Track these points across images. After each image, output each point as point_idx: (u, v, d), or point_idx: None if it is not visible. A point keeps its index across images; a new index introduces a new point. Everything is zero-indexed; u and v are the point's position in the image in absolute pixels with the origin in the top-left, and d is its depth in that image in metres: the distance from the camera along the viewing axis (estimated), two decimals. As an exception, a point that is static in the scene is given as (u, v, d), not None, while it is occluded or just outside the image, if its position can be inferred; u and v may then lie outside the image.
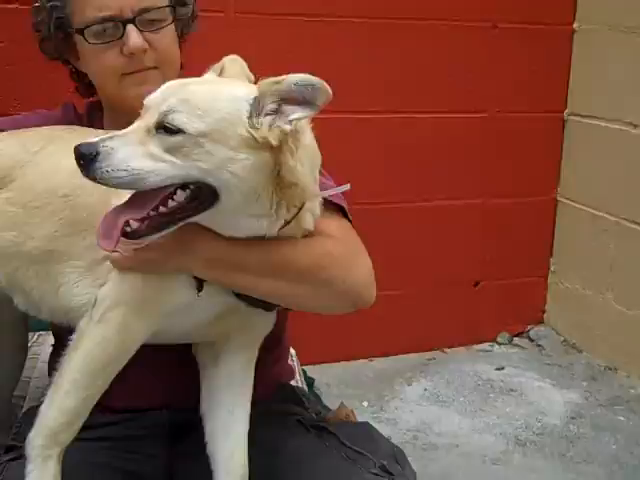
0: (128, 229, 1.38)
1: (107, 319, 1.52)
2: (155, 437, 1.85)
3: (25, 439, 1.55)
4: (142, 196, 1.39)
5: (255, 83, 1.51)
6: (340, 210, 1.74)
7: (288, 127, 1.38)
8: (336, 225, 1.67)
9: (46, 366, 2.10)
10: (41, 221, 1.66)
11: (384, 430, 1.89)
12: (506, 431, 3.32)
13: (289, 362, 2.27)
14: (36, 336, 2.51)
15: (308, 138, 1.50)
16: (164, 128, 1.36)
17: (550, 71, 3.90)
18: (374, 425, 1.92)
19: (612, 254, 3.85)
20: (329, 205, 1.68)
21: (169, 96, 1.40)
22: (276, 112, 1.39)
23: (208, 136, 1.36)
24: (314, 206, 1.59)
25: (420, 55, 3.60)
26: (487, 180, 3.91)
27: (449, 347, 4.05)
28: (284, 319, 1.90)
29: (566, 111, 4.02)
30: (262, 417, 1.75)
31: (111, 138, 1.36)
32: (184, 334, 1.67)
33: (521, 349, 4.16)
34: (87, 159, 1.32)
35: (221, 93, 1.44)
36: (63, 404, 1.53)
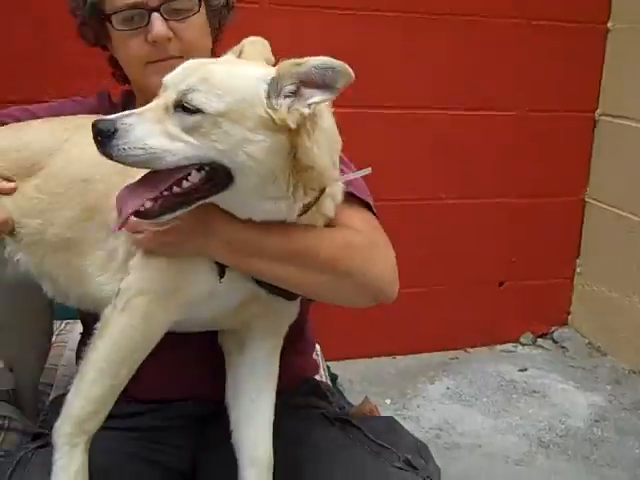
0: (141, 208, 1.37)
1: (131, 307, 1.52)
2: (181, 428, 1.86)
3: (52, 427, 1.55)
4: (156, 176, 1.39)
5: (275, 65, 1.49)
6: (366, 206, 1.72)
7: (307, 110, 1.37)
8: (360, 218, 1.66)
9: (73, 354, 2.12)
10: (61, 207, 1.67)
11: (406, 428, 1.87)
12: (529, 432, 3.29)
13: (314, 357, 2.26)
14: (64, 324, 2.53)
15: (327, 122, 1.49)
16: (182, 107, 1.35)
17: (582, 70, 3.85)
18: (397, 422, 1.90)
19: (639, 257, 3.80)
20: (354, 199, 1.67)
21: (188, 75, 1.39)
22: (295, 94, 1.38)
23: (226, 116, 1.35)
24: (335, 192, 1.58)
25: (452, 51, 3.57)
26: (515, 179, 3.88)
27: (472, 347, 4.03)
28: (306, 310, 1.89)
29: (597, 111, 3.98)
30: (286, 409, 1.76)
31: (129, 115, 1.35)
32: (207, 322, 1.66)
33: (545, 350, 4.12)
34: (104, 136, 1.31)
35: (240, 73, 1.44)
36: (89, 393, 1.53)
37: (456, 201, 3.80)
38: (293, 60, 1.38)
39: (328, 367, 2.74)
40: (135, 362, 1.55)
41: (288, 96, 1.38)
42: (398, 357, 3.88)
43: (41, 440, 1.75)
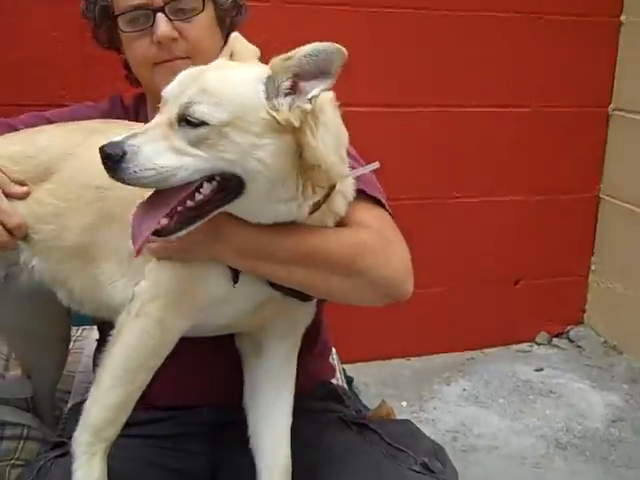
0: (157, 226, 1.36)
1: (145, 313, 1.51)
2: (198, 435, 1.85)
3: (71, 435, 1.55)
4: (167, 192, 1.37)
5: (263, 59, 1.50)
6: (378, 202, 1.70)
7: (309, 106, 1.36)
8: (372, 215, 1.65)
9: (90, 361, 2.12)
10: (76, 213, 1.66)
11: (423, 430, 1.87)
12: (546, 434, 3.27)
13: (330, 360, 2.25)
14: (80, 330, 2.54)
15: (329, 116, 1.47)
16: (186, 121, 1.34)
17: (595, 65, 3.83)
18: (413, 425, 1.90)
19: (655, 254, 3.77)
20: (366, 197, 1.66)
21: (186, 87, 1.38)
22: (293, 91, 1.37)
23: (231, 125, 1.33)
24: (345, 189, 1.57)
25: (465, 47, 3.54)
26: (529, 176, 3.85)
27: (487, 347, 4.00)
28: (320, 311, 1.87)
29: (611, 106, 3.94)
30: (303, 413, 1.75)
31: (135, 136, 1.33)
32: (223, 326, 1.65)
33: (560, 350, 4.10)
34: (113, 160, 1.30)
35: (236, 77, 1.42)
36: (106, 400, 1.52)
37: (470, 199, 3.77)
38: (283, 55, 1.36)
39: (344, 370, 2.73)
40: (151, 368, 1.54)
41: (287, 94, 1.36)
42: (413, 359, 3.86)
43: (61, 449, 1.75)
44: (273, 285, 1.56)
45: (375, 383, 3.56)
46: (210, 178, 1.36)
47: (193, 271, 1.51)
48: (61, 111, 2.01)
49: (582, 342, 4.11)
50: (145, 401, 1.58)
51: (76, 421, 1.54)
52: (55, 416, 2.16)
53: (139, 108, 2.02)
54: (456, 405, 3.48)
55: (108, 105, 2.03)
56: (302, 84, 1.36)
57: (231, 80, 1.41)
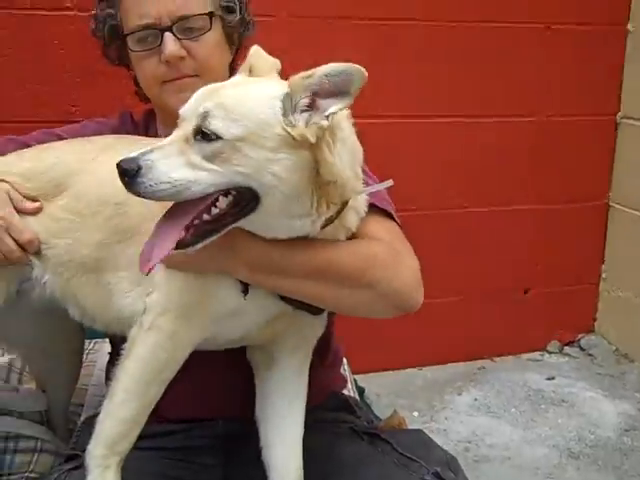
0: (174, 244, 1.38)
1: (157, 326, 1.52)
2: (211, 447, 1.86)
3: (84, 448, 1.56)
4: (182, 207, 1.39)
5: (284, 74, 1.50)
6: (387, 215, 1.71)
7: (325, 122, 1.37)
8: (382, 228, 1.65)
9: (103, 374, 2.13)
10: (92, 228, 1.67)
11: (435, 441, 1.87)
12: (559, 443, 3.26)
13: (341, 371, 2.25)
14: (92, 344, 2.55)
15: (346, 132, 1.48)
16: (202, 135, 1.36)
17: (603, 73, 3.82)
18: (425, 435, 1.90)
19: (665, 261, 3.76)
20: (376, 209, 1.66)
21: (203, 102, 1.39)
22: (311, 107, 1.38)
23: (245, 139, 1.35)
24: (358, 205, 1.58)
25: (473, 58, 3.55)
26: (537, 185, 3.85)
27: (498, 356, 4.00)
28: (331, 323, 1.88)
29: (619, 114, 3.94)
30: (315, 424, 1.76)
31: (151, 151, 1.35)
32: (234, 340, 1.66)
33: (572, 358, 4.09)
34: (130, 175, 1.32)
35: (253, 94, 1.43)
36: (119, 413, 1.54)
37: (479, 209, 3.77)
38: (303, 73, 1.37)
39: (355, 380, 2.73)
40: (164, 381, 1.55)
41: (304, 110, 1.38)
42: (424, 369, 3.86)
43: (74, 461, 1.77)
44: (284, 298, 1.57)
45: (387, 393, 3.55)
46: (226, 192, 1.38)
47: (204, 284, 1.52)
48: (72, 127, 2.03)
49: (593, 350, 4.09)
50: (158, 414, 1.59)
51: (89, 434, 1.55)
52: (68, 429, 2.17)
53: (149, 124, 2.04)
54: (468, 415, 3.47)
55: (118, 121, 2.05)
56: (320, 101, 1.37)
57: (247, 96, 1.42)
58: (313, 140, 1.36)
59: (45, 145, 1.86)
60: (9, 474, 1.96)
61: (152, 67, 1.82)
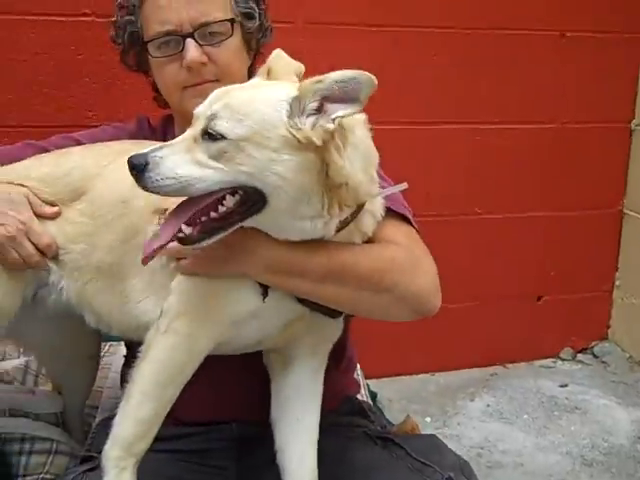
0: (181, 235, 1.41)
1: (174, 329, 1.53)
2: (225, 450, 1.87)
3: (99, 450, 1.57)
4: (189, 202, 1.42)
5: (305, 75, 1.53)
6: (404, 218, 1.72)
7: (331, 126, 1.38)
8: (400, 232, 1.66)
9: (118, 376, 2.14)
10: (104, 230, 1.70)
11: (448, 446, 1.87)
12: (572, 450, 3.25)
13: (355, 376, 2.26)
14: (107, 346, 2.56)
15: (360, 135, 1.49)
16: (208, 135, 1.38)
17: (618, 80, 3.81)
18: (438, 441, 1.90)
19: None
20: (393, 213, 1.67)
21: (214, 104, 1.42)
22: (319, 111, 1.39)
23: (249, 139, 1.37)
24: (374, 208, 1.59)
25: (488, 65, 3.55)
26: (552, 192, 3.84)
27: (511, 362, 3.98)
28: (347, 328, 1.89)
29: (634, 121, 3.92)
30: (329, 428, 1.76)
31: (160, 148, 1.39)
32: (250, 345, 1.67)
33: (585, 365, 4.07)
34: (138, 170, 1.36)
35: (260, 96, 1.45)
36: (136, 415, 1.54)
37: (493, 215, 3.77)
38: (314, 78, 1.39)
39: (367, 385, 2.73)
40: (180, 383, 1.56)
41: (312, 114, 1.39)
42: (437, 374, 3.85)
43: (89, 463, 1.78)
44: (302, 301, 1.58)
45: (399, 398, 3.55)
46: (234, 191, 1.40)
47: (223, 286, 1.54)
48: (90, 132, 2.05)
49: (607, 358, 4.08)
50: (173, 416, 1.59)
51: (104, 436, 1.56)
52: (84, 431, 2.18)
53: (166, 129, 2.06)
54: (480, 421, 3.46)
55: (135, 126, 2.07)
56: (328, 105, 1.38)
57: (254, 97, 1.44)
58: (319, 143, 1.38)
59: (63, 150, 1.89)
60: (24, 475, 1.98)
61: (173, 73, 1.85)
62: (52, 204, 1.75)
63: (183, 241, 1.41)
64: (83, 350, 2.10)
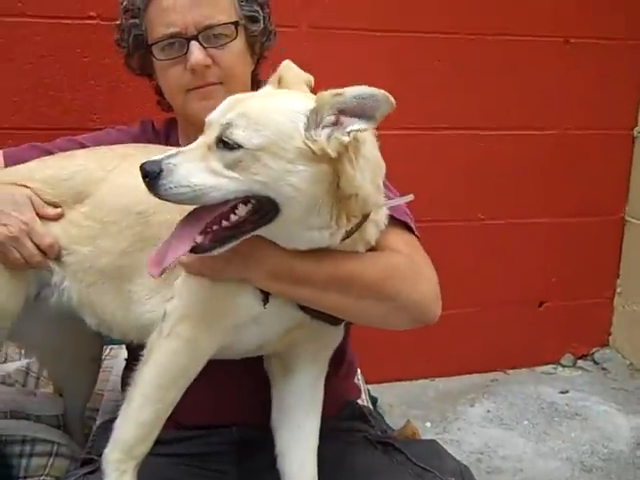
0: (193, 243, 1.40)
1: (176, 332, 1.54)
2: (225, 454, 1.87)
3: (100, 452, 1.57)
4: (202, 211, 1.41)
5: (314, 88, 1.54)
6: (406, 227, 1.73)
7: (346, 138, 1.38)
8: (402, 240, 1.67)
9: (119, 379, 2.14)
10: (115, 236, 1.70)
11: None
12: (571, 456, 3.24)
13: (355, 381, 2.26)
14: (108, 349, 2.56)
15: (370, 148, 1.50)
16: (223, 143, 1.38)
17: (620, 87, 3.82)
18: (438, 446, 1.90)
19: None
20: (395, 221, 1.68)
21: (227, 111, 1.42)
22: (334, 124, 1.39)
23: (265, 149, 1.37)
24: (379, 218, 1.59)
25: (491, 71, 3.56)
26: (554, 198, 3.85)
27: (512, 368, 3.99)
28: (347, 334, 1.89)
29: (636, 128, 3.93)
30: (329, 433, 1.77)
31: (174, 155, 1.38)
32: (252, 348, 1.67)
33: (585, 372, 4.07)
34: (152, 177, 1.35)
35: (277, 106, 1.45)
36: (137, 418, 1.55)
37: (495, 221, 3.77)
38: (332, 91, 1.39)
39: (368, 390, 2.73)
40: (181, 387, 1.56)
41: (327, 126, 1.39)
42: (437, 380, 3.85)
43: (90, 466, 1.79)
44: (303, 308, 1.58)
45: (399, 404, 3.55)
46: (246, 200, 1.40)
47: (224, 291, 1.54)
48: (94, 135, 2.06)
49: (607, 364, 4.08)
50: (174, 420, 1.60)
51: (105, 438, 1.57)
52: (84, 434, 2.19)
53: (169, 132, 2.06)
54: (480, 426, 3.46)
55: (139, 129, 2.08)
56: (343, 118, 1.39)
57: (270, 107, 1.44)
58: (334, 155, 1.38)
59: (68, 153, 1.89)
60: (25, 477, 1.99)
61: (177, 75, 1.85)
62: (55, 205, 1.76)
63: (195, 250, 1.41)
64: (85, 352, 2.10)
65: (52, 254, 1.72)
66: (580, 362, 4.14)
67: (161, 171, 1.34)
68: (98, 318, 1.76)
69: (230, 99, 1.48)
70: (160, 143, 1.97)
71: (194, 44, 1.81)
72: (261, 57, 2.01)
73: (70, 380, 2.16)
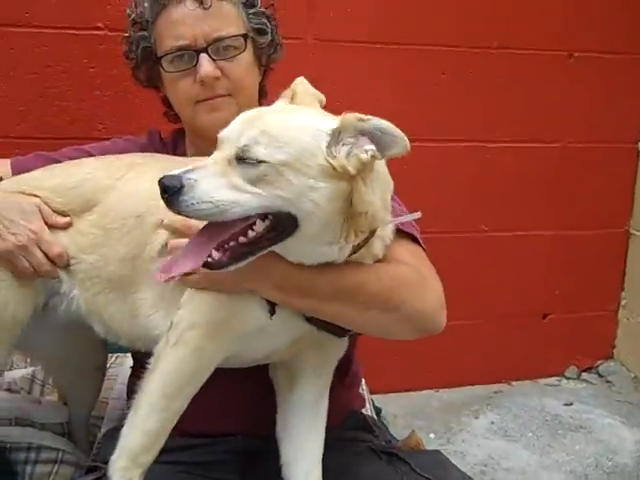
0: (209, 260, 1.39)
1: (183, 342, 1.54)
2: (229, 463, 1.87)
3: (105, 460, 1.58)
4: (218, 225, 1.41)
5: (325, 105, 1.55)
6: (412, 238, 1.73)
7: (365, 156, 1.40)
8: (407, 251, 1.67)
9: (124, 388, 2.14)
10: (116, 243, 1.71)
11: (452, 462, 1.88)
12: (576, 469, 3.23)
13: (359, 391, 2.26)
14: (114, 357, 2.56)
15: (380, 164, 1.51)
16: (244, 160, 1.37)
17: (624, 101, 3.82)
18: (442, 457, 1.89)
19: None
20: (401, 232, 1.68)
21: (247, 128, 1.42)
22: (353, 143, 1.41)
23: (289, 165, 1.37)
24: (385, 234, 1.60)
25: (494, 83, 3.57)
26: (558, 211, 3.85)
27: (516, 380, 3.98)
28: (353, 344, 1.90)
29: (640, 142, 3.95)
30: (334, 443, 1.77)
31: (193, 170, 1.37)
32: (258, 357, 1.68)
33: (590, 384, 4.06)
34: (171, 192, 1.33)
35: (299, 123, 1.46)
36: (143, 426, 1.55)
37: (499, 233, 3.77)
38: (357, 115, 1.41)
39: (372, 400, 2.73)
40: (188, 395, 1.57)
41: (346, 144, 1.41)
42: (441, 390, 3.84)
43: (95, 473, 1.79)
44: (309, 319, 1.59)
45: (403, 414, 3.54)
46: (264, 217, 1.40)
47: (231, 302, 1.54)
48: (101, 145, 2.07)
49: (612, 377, 4.07)
50: (179, 428, 1.60)
51: (110, 446, 1.57)
52: (89, 442, 2.19)
53: (177, 143, 2.07)
54: (484, 438, 3.45)
55: (146, 140, 2.09)
56: (361, 137, 1.41)
57: (293, 124, 1.45)
58: (354, 172, 1.40)
59: (75, 161, 1.90)
60: (30, 484, 1.99)
61: (186, 87, 1.87)
62: (63, 214, 1.76)
63: (211, 266, 1.40)
64: (90, 361, 2.11)
65: (61, 263, 1.73)
66: (584, 375, 4.12)
67: (182, 187, 1.33)
68: (106, 326, 1.77)
69: (244, 116, 1.47)
70: (167, 153, 1.99)
71: (203, 56, 1.83)
72: (267, 69, 2.03)
73: (75, 388, 2.16)
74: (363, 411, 2.19)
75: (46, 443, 2.06)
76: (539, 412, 3.68)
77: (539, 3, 3.56)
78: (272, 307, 1.54)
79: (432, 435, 3.43)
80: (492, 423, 3.58)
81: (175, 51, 1.85)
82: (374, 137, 1.39)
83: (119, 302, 1.71)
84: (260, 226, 1.40)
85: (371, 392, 2.73)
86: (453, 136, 3.57)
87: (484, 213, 3.72)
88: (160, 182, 1.34)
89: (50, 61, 2.87)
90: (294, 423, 1.73)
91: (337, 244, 1.47)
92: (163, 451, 1.57)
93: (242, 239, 1.41)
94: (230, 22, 1.87)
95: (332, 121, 1.44)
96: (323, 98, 1.62)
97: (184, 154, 2.00)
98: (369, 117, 1.40)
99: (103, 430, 2.14)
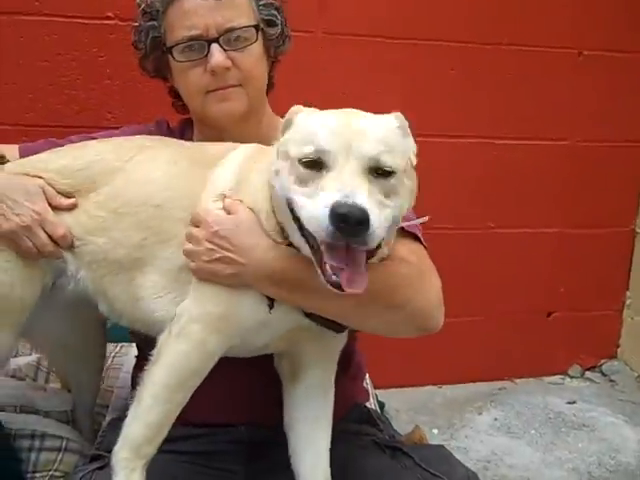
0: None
1: (186, 334, 1.55)
2: (234, 453, 1.87)
3: (109, 449, 1.59)
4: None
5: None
6: (413, 236, 1.73)
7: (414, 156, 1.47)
8: (410, 250, 1.67)
9: (129, 377, 2.15)
10: (130, 228, 1.70)
11: (456, 457, 1.88)
12: (578, 467, 3.23)
13: (364, 385, 2.26)
14: (119, 347, 2.57)
15: None
16: (376, 171, 1.36)
17: (633, 100, 3.81)
18: (445, 452, 1.89)
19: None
20: (403, 231, 1.68)
21: (356, 139, 1.38)
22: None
23: (405, 170, 1.41)
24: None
25: (504, 81, 3.56)
26: (564, 209, 3.84)
27: (519, 377, 3.97)
28: (353, 336, 1.90)
29: (648, 140, 3.93)
30: (338, 436, 1.77)
31: (359, 195, 1.29)
32: (259, 348, 1.68)
33: (593, 383, 4.05)
34: (366, 226, 1.27)
35: (390, 126, 1.48)
36: (146, 418, 1.56)
37: (505, 230, 3.76)
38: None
39: (376, 395, 2.73)
40: (191, 387, 1.58)
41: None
42: (445, 386, 3.84)
43: (99, 461, 1.80)
44: (309, 315, 1.59)
45: (406, 410, 3.54)
46: None
47: (231, 295, 1.55)
48: (109, 133, 2.07)
49: (615, 376, 4.06)
50: (182, 418, 1.60)
51: (114, 435, 1.58)
52: (93, 430, 2.19)
53: (184, 132, 2.07)
54: (487, 434, 3.44)
55: (155, 128, 2.09)
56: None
57: (389, 127, 1.47)
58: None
59: (80, 143, 1.91)
60: (34, 472, 1.99)
61: (197, 77, 1.86)
62: (68, 196, 1.76)
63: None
64: (91, 347, 2.12)
65: (64, 244, 1.73)
66: (588, 373, 4.12)
67: (367, 220, 1.27)
68: (110, 306, 1.76)
69: (338, 125, 1.41)
70: (174, 141, 1.98)
71: (215, 46, 1.83)
72: (275, 61, 2.03)
73: (77, 375, 2.17)
74: (367, 405, 2.19)
75: (50, 431, 2.07)
76: (542, 410, 3.67)
77: (549, 1, 3.55)
78: (271, 302, 1.55)
79: (435, 431, 3.42)
80: (495, 420, 3.57)
81: (187, 41, 1.85)
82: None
83: (125, 284, 1.71)
84: None
85: (374, 387, 2.73)
86: (460, 132, 3.56)
87: (490, 210, 3.71)
88: (344, 215, 1.26)
89: (60, 50, 2.87)
90: (301, 414, 1.74)
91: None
92: (166, 440, 1.58)
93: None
94: (241, 13, 1.87)
95: (393, 119, 1.48)
96: None
97: (191, 143, 2.00)
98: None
99: (108, 419, 2.15)
